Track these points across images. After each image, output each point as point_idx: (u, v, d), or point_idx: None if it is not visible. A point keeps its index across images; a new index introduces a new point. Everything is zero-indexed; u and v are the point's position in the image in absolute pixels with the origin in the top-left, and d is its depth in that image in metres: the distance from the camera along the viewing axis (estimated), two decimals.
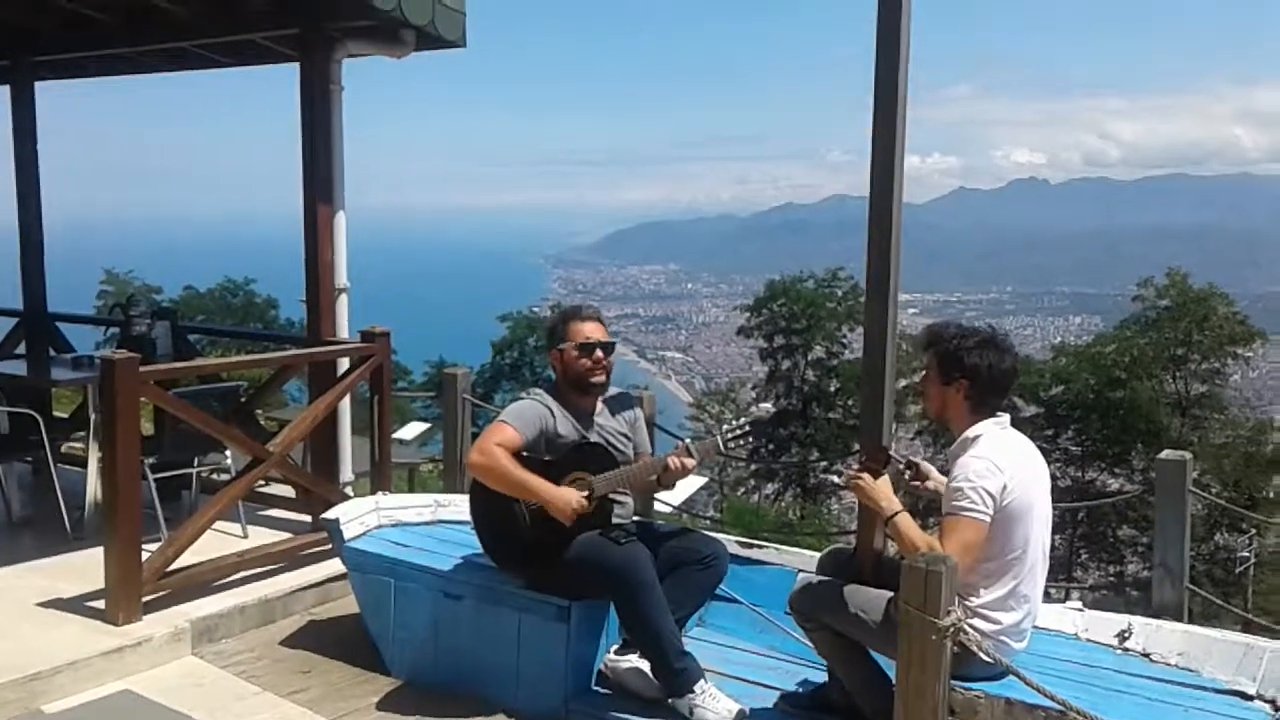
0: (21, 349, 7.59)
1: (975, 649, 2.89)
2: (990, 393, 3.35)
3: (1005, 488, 3.19)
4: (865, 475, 3.39)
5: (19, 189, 7.32)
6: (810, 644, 3.65)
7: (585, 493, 3.82)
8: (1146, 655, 3.59)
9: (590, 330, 4.05)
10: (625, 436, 4.16)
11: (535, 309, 43.89)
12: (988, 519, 3.16)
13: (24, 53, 6.98)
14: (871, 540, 3.52)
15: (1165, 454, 5.33)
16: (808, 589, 3.56)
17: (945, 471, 3.44)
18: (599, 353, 4.03)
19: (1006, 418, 3.41)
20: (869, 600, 3.34)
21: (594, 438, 4.03)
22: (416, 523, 4.76)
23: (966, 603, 3.20)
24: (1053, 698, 2.81)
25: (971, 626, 3.15)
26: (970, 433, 3.33)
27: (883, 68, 5.01)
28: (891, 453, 3.53)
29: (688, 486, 4.32)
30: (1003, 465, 3.22)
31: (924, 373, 3.49)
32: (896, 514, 3.29)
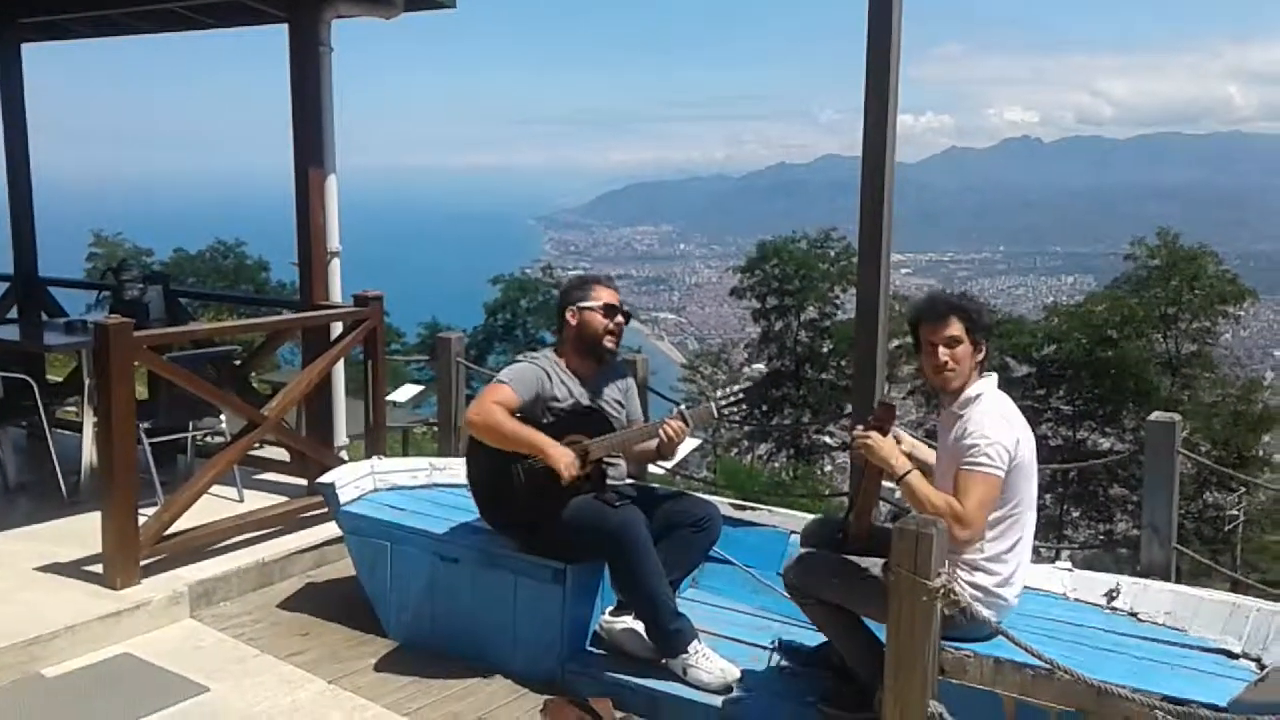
0: (14, 314, 7.57)
1: (966, 609, 2.92)
2: (991, 352, 3.43)
3: (1018, 442, 3.26)
4: (874, 434, 3.38)
5: (7, 152, 7.26)
6: (805, 616, 3.69)
7: (580, 452, 3.85)
8: (1134, 614, 3.63)
9: (611, 296, 4.09)
10: (618, 403, 4.19)
11: (527, 270, 43.71)
12: (1003, 474, 3.22)
13: (9, 15, 6.91)
14: (869, 508, 3.55)
15: (1155, 415, 5.37)
16: (800, 564, 3.58)
17: (931, 436, 3.45)
18: (619, 318, 4.08)
19: (994, 375, 3.46)
20: (862, 570, 3.37)
21: (590, 402, 4.05)
22: (412, 486, 4.78)
23: (972, 557, 3.27)
24: (1041, 657, 2.85)
25: (971, 583, 3.22)
26: (971, 391, 3.37)
27: (875, 26, 5.01)
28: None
29: (681, 448, 4.36)
30: (1013, 421, 3.30)
31: (950, 344, 3.36)
32: (909, 472, 3.30)
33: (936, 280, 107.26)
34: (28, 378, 5.90)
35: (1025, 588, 3.49)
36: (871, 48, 5.03)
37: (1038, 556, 3.60)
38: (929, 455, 3.63)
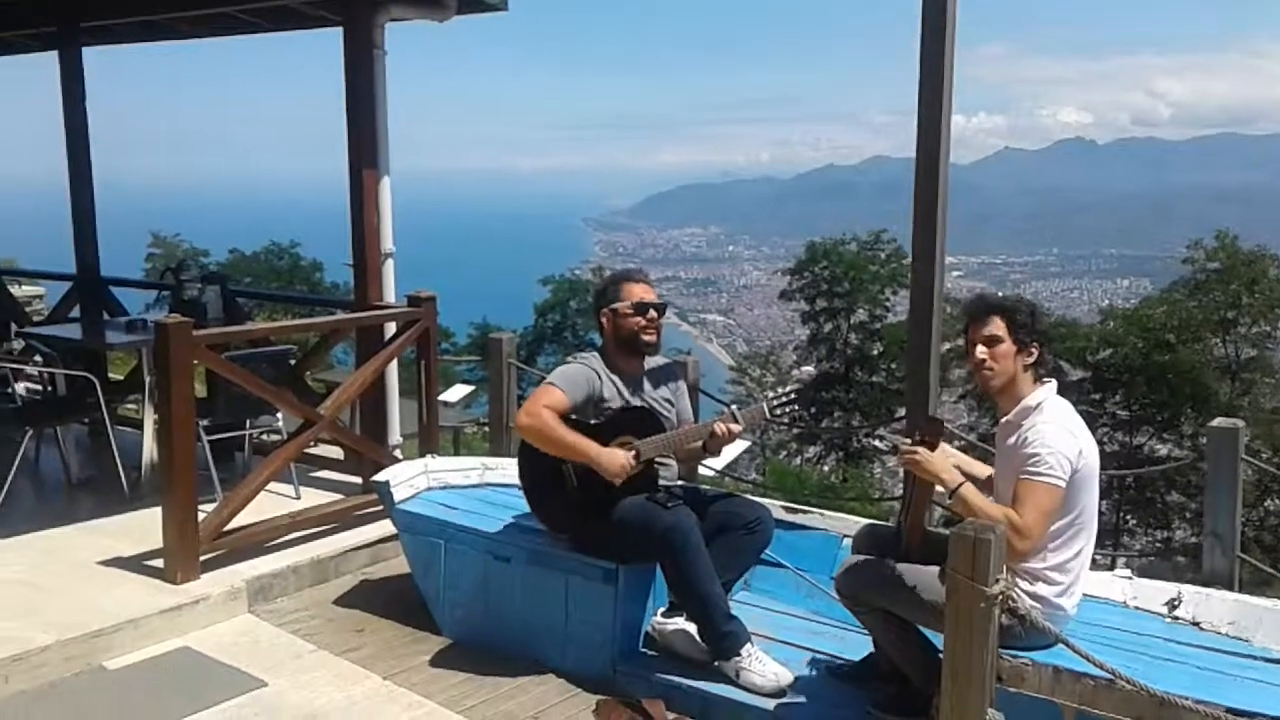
0: (76, 312, 7.73)
1: (1025, 617, 2.88)
2: (1048, 357, 3.37)
3: (1080, 453, 3.21)
4: (921, 449, 3.34)
5: (69, 155, 7.41)
6: (859, 623, 3.66)
7: (632, 453, 3.85)
8: (1196, 624, 3.56)
9: (642, 291, 4.08)
10: (669, 403, 4.18)
11: (577, 271, 43.80)
12: (1064, 484, 3.17)
13: (71, 19, 7.05)
14: (921, 518, 3.51)
15: (1217, 422, 5.27)
16: (853, 571, 3.55)
17: (983, 440, 3.41)
18: (652, 312, 4.06)
19: (1054, 383, 3.40)
20: (918, 577, 3.35)
21: (640, 402, 4.06)
22: (465, 485, 4.82)
23: (1032, 566, 3.22)
24: (1101, 666, 2.81)
25: (1031, 593, 3.18)
26: (1031, 400, 3.32)
27: (929, 26, 4.95)
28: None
29: (731, 450, 4.35)
30: (1075, 430, 3.25)
31: (989, 343, 3.34)
32: (960, 485, 3.27)
33: (988, 283, 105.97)
34: (90, 375, 6.02)
35: (1084, 595, 3.43)
36: (925, 47, 4.97)
37: (1094, 564, 3.54)
38: (975, 468, 3.59)
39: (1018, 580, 3.13)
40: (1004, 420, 3.41)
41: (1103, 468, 3.39)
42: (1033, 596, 3.19)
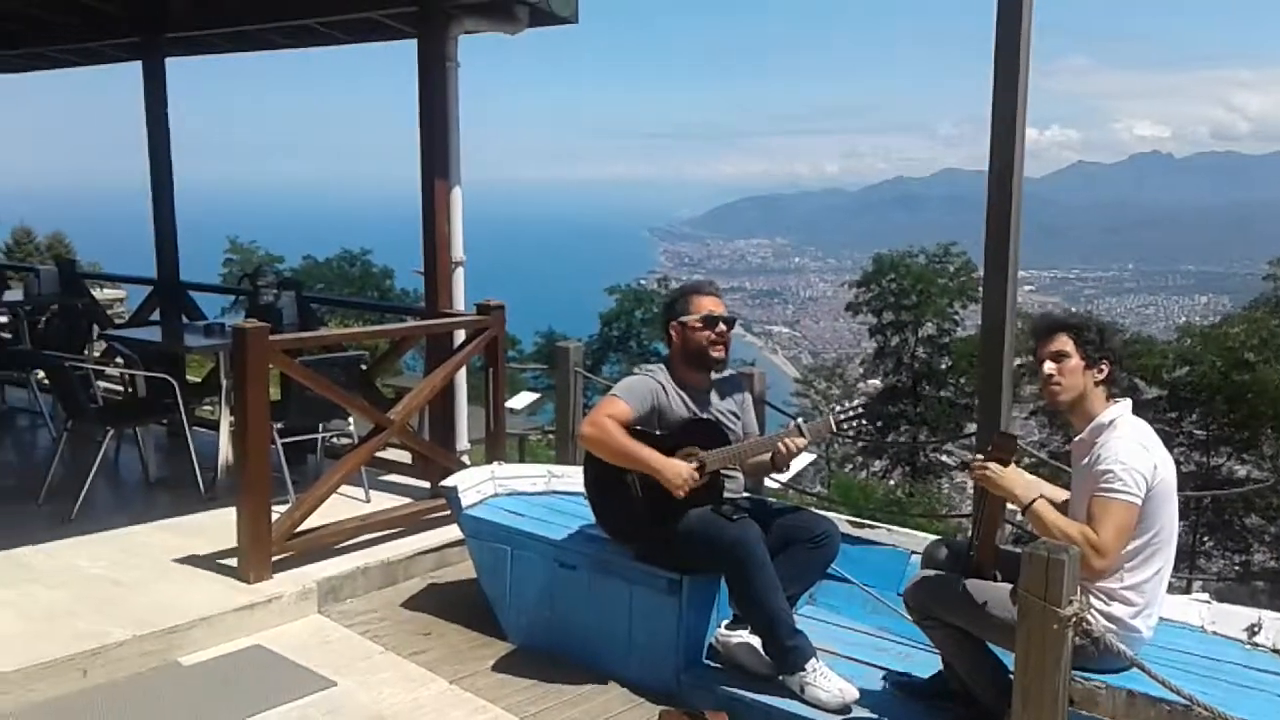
0: (156, 316, 7.94)
1: (1099, 639, 2.83)
2: (1120, 374, 3.32)
3: (1155, 469, 3.14)
4: (993, 465, 3.30)
5: (151, 163, 7.61)
6: (927, 639, 3.62)
7: (696, 465, 3.84)
8: (1277, 651, 3.47)
9: (712, 305, 4.06)
10: (734, 415, 4.17)
11: (642, 281, 43.95)
12: (1140, 502, 3.11)
13: (156, 30, 7.25)
14: (993, 535, 3.45)
15: None
16: (923, 586, 3.50)
17: (1054, 457, 3.36)
18: (721, 326, 4.04)
19: (1129, 401, 3.33)
20: (989, 594, 3.29)
21: (705, 414, 4.05)
22: (531, 492, 4.85)
23: (1107, 586, 3.16)
24: (1178, 692, 2.75)
25: (1106, 613, 3.11)
26: (1104, 417, 3.26)
27: (1003, 37, 4.90)
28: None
29: (796, 463, 4.31)
30: (1150, 446, 3.19)
31: (1056, 360, 3.31)
32: (1034, 501, 3.21)
33: (1061, 297, 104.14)
34: (169, 377, 6.17)
35: (1160, 619, 3.36)
36: (999, 59, 4.92)
37: (1170, 586, 3.46)
38: (1047, 490, 3.53)
39: (1092, 600, 3.07)
40: (1077, 439, 3.36)
41: (1179, 488, 3.32)
42: (1107, 617, 3.13)
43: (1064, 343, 3.30)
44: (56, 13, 7.26)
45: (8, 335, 8.52)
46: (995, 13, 4.86)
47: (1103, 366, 3.29)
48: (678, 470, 3.81)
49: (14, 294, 8.65)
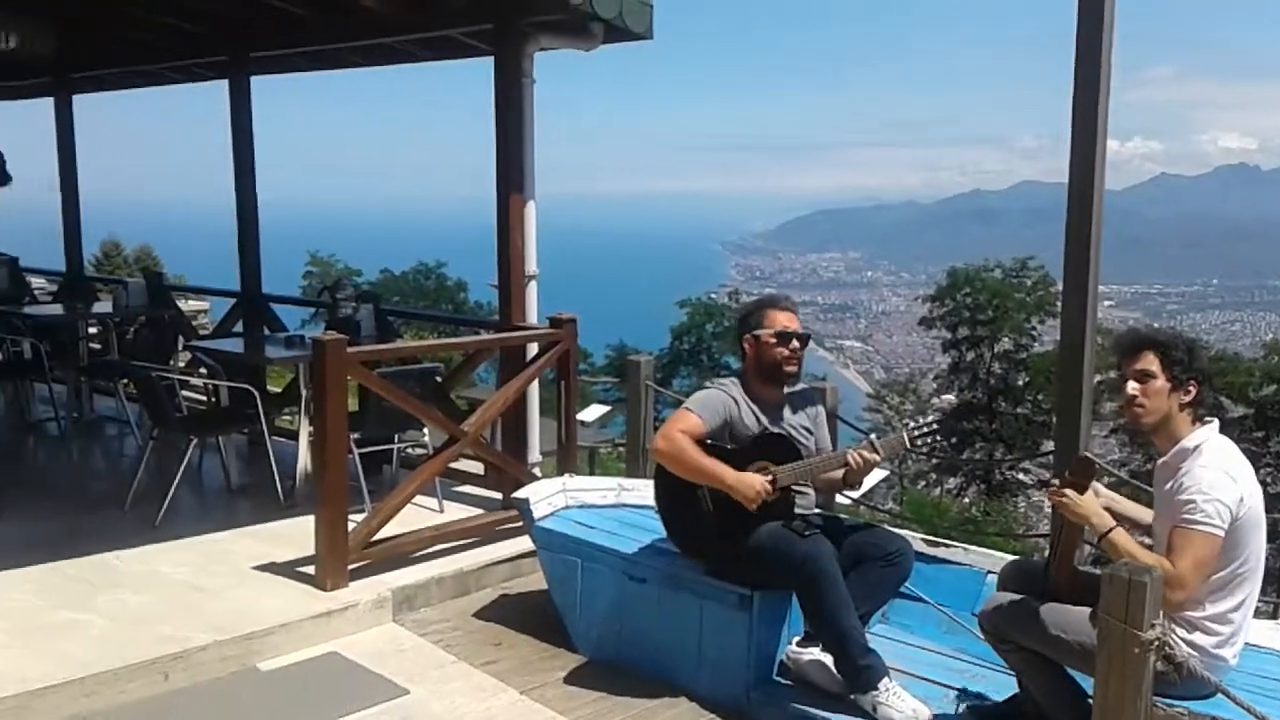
0: (239, 327, 8.13)
1: (1182, 665, 2.76)
2: (1208, 396, 3.20)
3: (1241, 500, 3.04)
4: (1070, 491, 3.22)
5: (236, 179, 7.78)
6: (1002, 661, 3.55)
7: (769, 478, 3.83)
8: None
9: (787, 320, 4.05)
10: (807, 431, 4.15)
11: (713, 295, 43.87)
12: (1223, 533, 3.00)
13: (241, 49, 7.45)
14: (1071, 557, 3.37)
15: None
16: (999, 608, 3.43)
17: (1135, 477, 3.28)
18: (795, 343, 4.03)
19: (1216, 422, 3.23)
20: (1068, 619, 3.22)
21: (776, 429, 4.03)
22: (602, 505, 4.87)
23: (1190, 615, 3.07)
24: (1265, 719, 2.67)
25: (1189, 642, 3.02)
26: (1189, 442, 3.16)
27: (1084, 48, 4.82)
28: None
29: (869, 479, 4.28)
30: (1236, 475, 3.07)
31: (1141, 379, 3.22)
32: (1110, 531, 3.13)
33: (1142, 313, 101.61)
34: (250, 388, 6.31)
35: (1245, 644, 3.26)
36: (1080, 70, 4.84)
37: (1257, 612, 3.35)
38: (1130, 509, 3.45)
39: (1175, 628, 2.99)
40: (1161, 462, 3.26)
41: (1267, 511, 3.21)
42: (1191, 645, 3.03)
43: (1150, 361, 3.20)
44: (150, 33, 7.50)
45: (97, 346, 8.79)
46: (1076, 22, 4.78)
47: (1190, 388, 3.17)
48: (751, 484, 3.79)
49: (103, 306, 8.92)
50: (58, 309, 9.02)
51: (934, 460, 28.40)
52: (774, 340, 4.02)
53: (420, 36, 6.65)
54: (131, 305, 8.39)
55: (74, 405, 8.18)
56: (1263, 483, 3.41)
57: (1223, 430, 3.24)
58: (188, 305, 10.49)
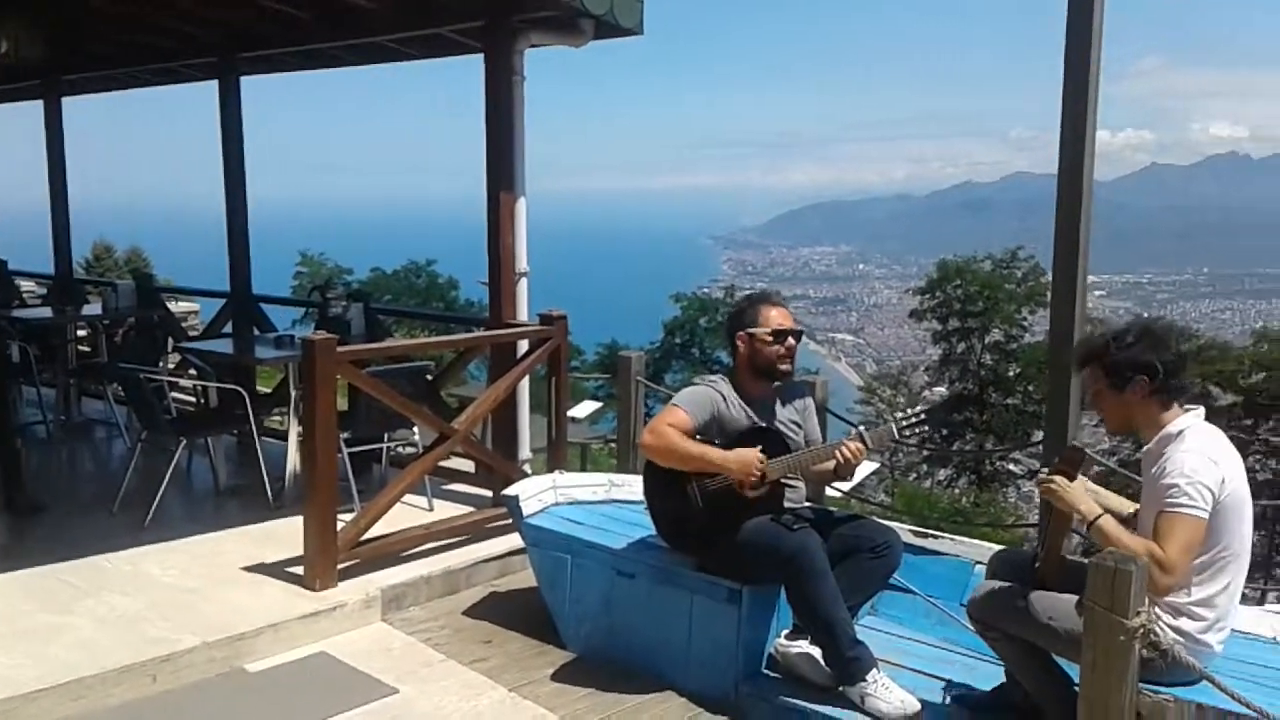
0: (228, 328, 8.12)
1: (1167, 651, 2.77)
2: (1171, 380, 3.18)
3: (1223, 481, 3.05)
4: (1059, 479, 3.23)
5: (226, 179, 7.77)
6: (990, 651, 3.56)
7: (760, 460, 3.82)
8: None
9: (782, 317, 4.05)
10: (796, 424, 4.15)
11: (705, 290, 43.87)
12: (1206, 515, 3.02)
13: (231, 49, 7.43)
14: (1058, 546, 3.39)
15: None
16: (989, 597, 3.44)
17: (1124, 465, 3.30)
18: (790, 340, 4.04)
19: (1200, 409, 3.24)
20: (1055, 606, 3.23)
21: (765, 424, 4.04)
22: (591, 501, 4.87)
23: (1175, 601, 3.09)
24: (1249, 705, 2.69)
25: (1174, 628, 3.04)
26: (1172, 428, 3.17)
27: (1074, 40, 4.84)
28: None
29: (859, 471, 4.27)
30: (1218, 458, 3.08)
31: (1093, 391, 3.31)
32: (1099, 518, 3.15)
33: (1133, 303, 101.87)
34: (239, 388, 6.30)
35: (1231, 631, 3.27)
36: (1069, 62, 4.87)
37: (1244, 598, 3.37)
38: (1113, 502, 3.46)
39: (1160, 614, 3.00)
40: (1145, 450, 3.27)
41: (1255, 497, 3.22)
42: (1176, 631, 3.05)
43: (1091, 376, 3.29)
44: (140, 34, 7.47)
45: (86, 348, 8.77)
46: (1066, 14, 4.80)
47: (1138, 384, 3.18)
48: (745, 460, 3.79)
49: (93, 308, 8.90)
50: (46, 312, 8.98)
51: (924, 452, 28.46)
52: (770, 339, 4.01)
53: (410, 34, 6.63)
54: (121, 307, 8.37)
55: (62, 408, 8.15)
56: (1251, 470, 3.42)
57: (1211, 418, 3.25)
58: (178, 307, 10.46)
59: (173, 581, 4.81)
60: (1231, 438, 3.30)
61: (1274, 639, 3.57)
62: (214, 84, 7.65)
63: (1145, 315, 3.47)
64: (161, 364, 7.86)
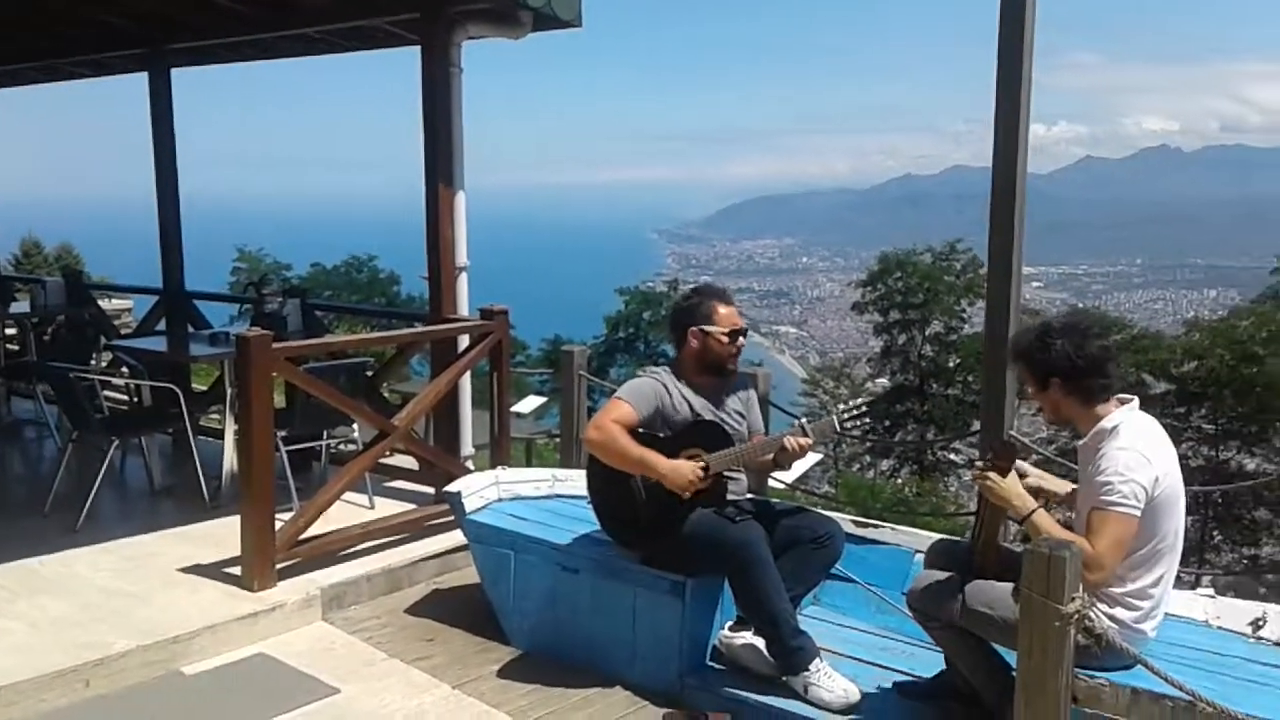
0: (162, 325, 7.96)
1: (1101, 636, 2.81)
2: (1088, 379, 3.20)
3: (1157, 479, 3.08)
4: (993, 474, 3.27)
5: (157, 173, 7.64)
6: (930, 639, 3.60)
7: (701, 465, 3.84)
8: None
9: (733, 316, 4.08)
10: (740, 415, 4.17)
11: (649, 284, 43.86)
12: (1139, 514, 3.05)
13: (161, 40, 7.27)
14: (994, 536, 3.43)
15: None
16: (925, 586, 3.48)
17: (1062, 454, 3.34)
18: (741, 339, 4.07)
19: (1135, 400, 3.28)
20: (994, 596, 3.27)
21: (709, 416, 4.04)
22: (535, 496, 4.85)
23: (1111, 591, 3.13)
24: (1181, 688, 2.73)
25: (1110, 616, 3.09)
26: (1107, 423, 3.19)
27: (1007, 35, 4.90)
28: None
29: (802, 463, 4.29)
30: (1151, 455, 3.11)
31: (1025, 386, 3.43)
32: (1033, 512, 3.19)
33: (1069, 294, 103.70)
34: (174, 386, 6.18)
35: (1165, 614, 3.34)
36: (1003, 56, 4.93)
37: (1178, 582, 3.43)
38: (1053, 484, 3.51)
39: (1096, 603, 3.04)
40: (1081, 444, 3.31)
41: (1187, 484, 3.28)
42: (1111, 620, 3.09)
43: (1022, 374, 3.38)
44: (66, 25, 7.29)
45: (14, 347, 8.55)
46: (998, 9, 4.86)
47: (1054, 382, 3.23)
48: (682, 472, 3.81)
49: (21, 305, 8.68)
50: None
51: (868, 443, 28.74)
52: (726, 339, 4.02)
53: (346, 25, 6.53)
54: (50, 304, 8.18)
55: None
56: (1184, 457, 3.49)
57: (1144, 407, 3.29)
58: (111, 304, 10.24)
59: (107, 584, 4.71)
60: (1165, 425, 3.35)
61: (1206, 622, 3.65)
62: (144, 76, 7.50)
63: (1080, 306, 3.50)
64: (93, 362, 7.69)
